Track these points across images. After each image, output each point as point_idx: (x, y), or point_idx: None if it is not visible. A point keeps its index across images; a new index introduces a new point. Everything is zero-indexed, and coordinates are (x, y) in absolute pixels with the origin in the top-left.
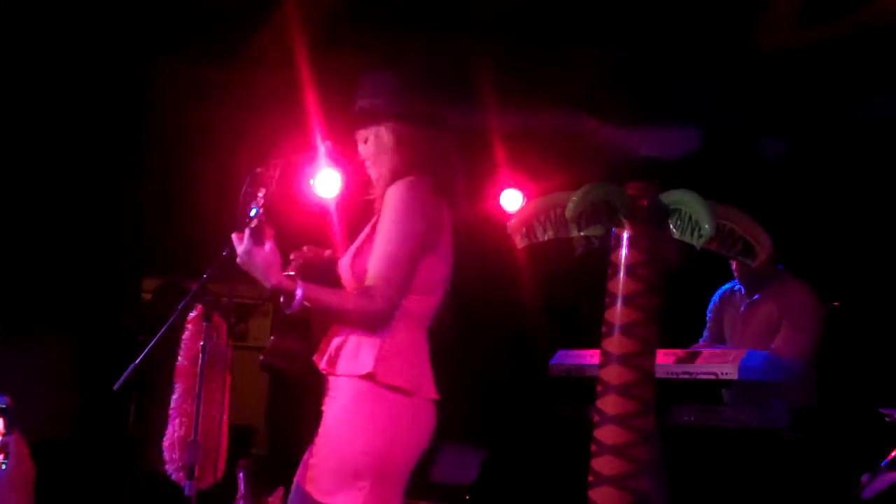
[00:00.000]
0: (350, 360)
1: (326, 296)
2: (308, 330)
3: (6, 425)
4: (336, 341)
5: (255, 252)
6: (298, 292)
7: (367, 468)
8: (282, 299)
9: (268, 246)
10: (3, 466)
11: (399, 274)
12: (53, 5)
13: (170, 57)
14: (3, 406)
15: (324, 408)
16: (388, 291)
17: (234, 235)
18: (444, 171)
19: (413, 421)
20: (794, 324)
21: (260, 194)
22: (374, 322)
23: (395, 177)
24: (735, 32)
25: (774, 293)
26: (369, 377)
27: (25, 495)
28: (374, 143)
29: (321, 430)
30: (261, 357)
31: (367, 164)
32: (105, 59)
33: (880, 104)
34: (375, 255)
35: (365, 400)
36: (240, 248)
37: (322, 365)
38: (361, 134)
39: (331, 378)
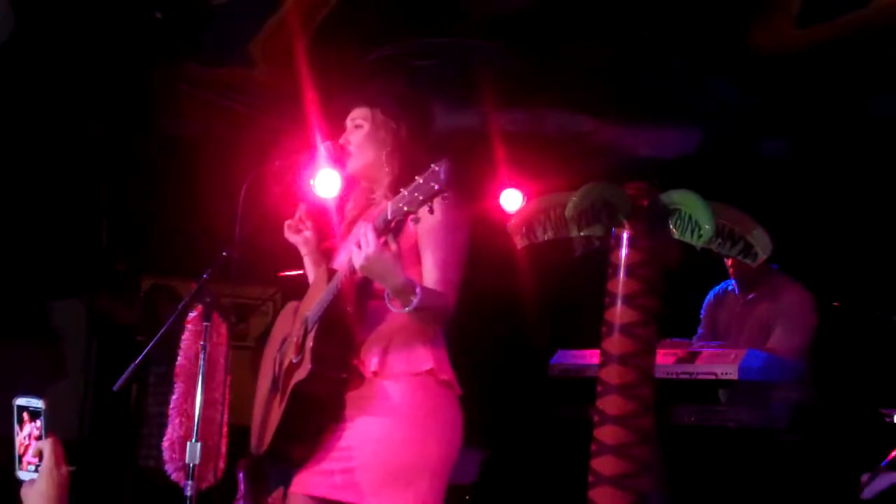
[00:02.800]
0: (404, 359)
1: (432, 297)
2: (349, 336)
3: (42, 428)
4: (381, 344)
5: (383, 251)
6: (418, 291)
7: (425, 466)
8: (395, 299)
9: (394, 246)
10: (38, 470)
11: (460, 273)
12: (55, 7)
13: (170, 57)
14: (41, 408)
15: (368, 414)
16: (455, 290)
17: (364, 231)
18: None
19: (460, 416)
20: (788, 323)
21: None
22: (447, 320)
23: (405, 170)
24: (735, 32)
25: (769, 293)
26: (429, 374)
27: (60, 499)
28: (366, 129)
29: (363, 434)
30: (310, 367)
31: (351, 147)
32: (105, 59)
33: (880, 104)
34: (438, 256)
35: (426, 397)
36: (368, 249)
37: (372, 368)
38: (357, 116)
39: (377, 381)
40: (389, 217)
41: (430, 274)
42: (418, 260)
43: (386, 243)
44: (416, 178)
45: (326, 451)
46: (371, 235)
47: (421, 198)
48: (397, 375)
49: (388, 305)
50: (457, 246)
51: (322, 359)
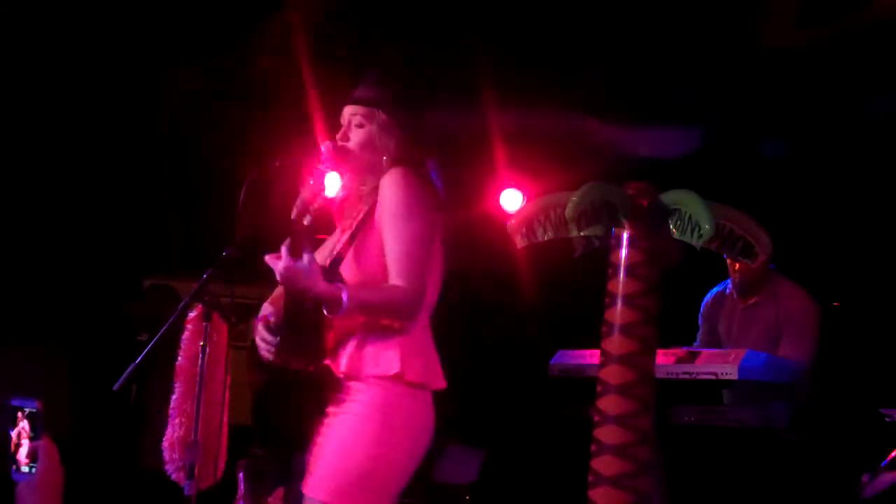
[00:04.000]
0: (375, 361)
1: (371, 294)
2: (310, 330)
3: (36, 430)
4: (352, 344)
5: (295, 265)
6: (344, 296)
7: (386, 473)
8: (325, 307)
9: (306, 257)
10: (33, 471)
11: (421, 263)
12: (57, 8)
13: (172, 59)
14: (34, 410)
15: (336, 412)
16: (417, 281)
17: (267, 257)
18: (433, 163)
19: (428, 416)
20: (796, 331)
21: (309, 206)
22: (412, 314)
23: (391, 166)
24: (735, 32)
25: (771, 297)
26: (398, 377)
27: (54, 501)
28: (369, 129)
29: (333, 435)
30: (270, 360)
31: (351, 146)
32: (107, 62)
33: (880, 104)
34: (394, 248)
35: (392, 403)
36: (279, 265)
37: (342, 368)
38: (355, 116)
39: (350, 382)
40: (293, 228)
41: (391, 268)
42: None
43: (295, 255)
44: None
45: (315, 448)
46: (283, 249)
47: (303, 196)
48: (366, 378)
49: (325, 312)
50: (414, 237)
51: (281, 353)
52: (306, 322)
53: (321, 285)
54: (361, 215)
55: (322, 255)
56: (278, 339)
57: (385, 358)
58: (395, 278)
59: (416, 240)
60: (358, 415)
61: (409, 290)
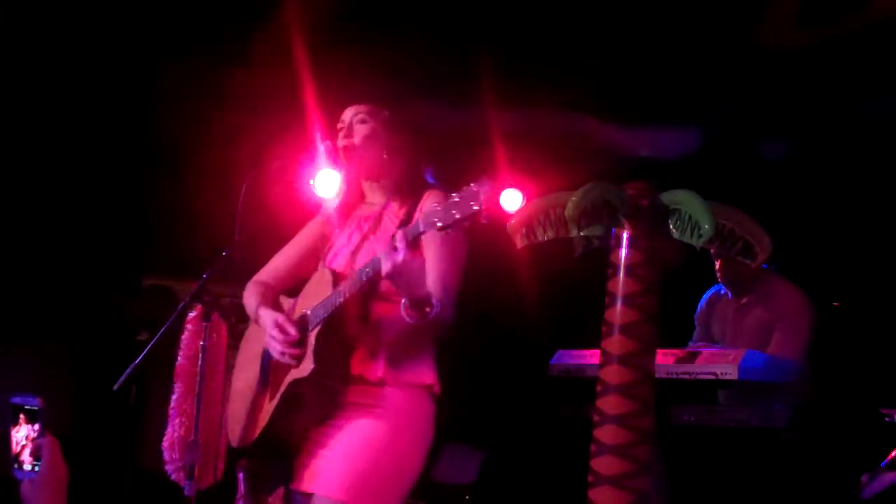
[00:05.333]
0: (410, 369)
1: (443, 309)
2: (350, 338)
3: (39, 428)
4: (386, 350)
5: (414, 261)
6: (436, 303)
7: (414, 472)
8: (412, 310)
9: (419, 257)
10: (37, 469)
11: (458, 288)
12: (56, 5)
13: (170, 57)
14: (36, 408)
15: (367, 416)
16: (453, 302)
17: (382, 249)
18: (428, 168)
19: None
20: (787, 327)
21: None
22: (444, 332)
23: (406, 170)
24: (735, 32)
25: (764, 295)
26: (429, 387)
27: (59, 498)
28: (372, 125)
29: (365, 436)
30: (312, 367)
31: (356, 140)
32: (104, 60)
33: (880, 104)
34: (439, 269)
35: (424, 411)
36: (398, 256)
37: (379, 374)
38: (358, 115)
39: (383, 388)
40: (422, 229)
41: (432, 286)
42: None
43: (415, 253)
44: (453, 194)
45: (326, 449)
46: (403, 244)
47: (458, 216)
48: (403, 385)
49: (404, 315)
50: (458, 259)
51: (324, 359)
52: (344, 335)
53: (425, 288)
54: (396, 228)
55: (334, 252)
56: (314, 346)
57: (420, 367)
58: (435, 297)
59: (458, 263)
60: (398, 421)
61: (450, 309)
